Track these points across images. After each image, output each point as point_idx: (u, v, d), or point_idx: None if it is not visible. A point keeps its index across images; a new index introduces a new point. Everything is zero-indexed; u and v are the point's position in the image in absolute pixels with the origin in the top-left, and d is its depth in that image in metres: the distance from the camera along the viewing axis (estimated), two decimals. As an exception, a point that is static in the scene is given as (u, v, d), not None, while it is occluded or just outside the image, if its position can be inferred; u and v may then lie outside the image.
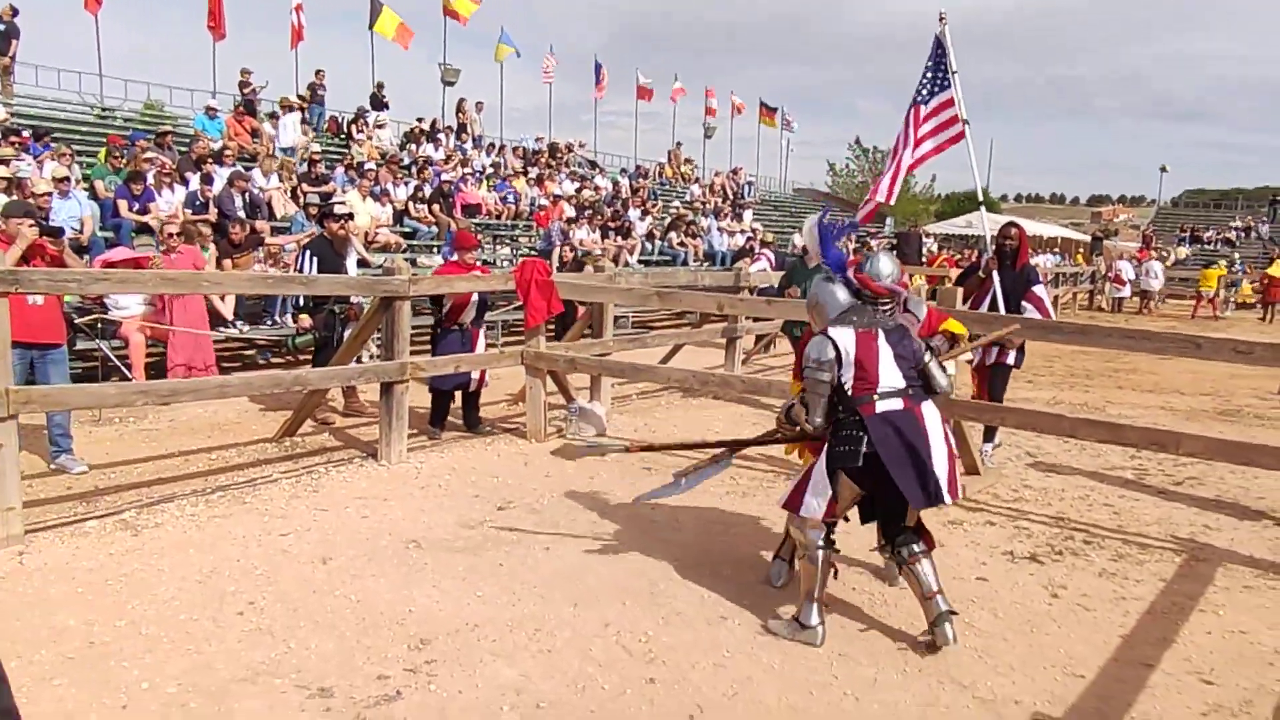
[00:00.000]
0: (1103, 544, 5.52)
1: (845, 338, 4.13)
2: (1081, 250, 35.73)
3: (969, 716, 3.52)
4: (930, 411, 4.10)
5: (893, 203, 8.54)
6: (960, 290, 6.93)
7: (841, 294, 4.30)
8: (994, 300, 7.30)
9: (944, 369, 4.44)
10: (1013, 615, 4.46)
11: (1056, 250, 34.18)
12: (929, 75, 8.05)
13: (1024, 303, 7.29)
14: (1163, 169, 55.70)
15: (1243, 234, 41.20)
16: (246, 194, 12.71)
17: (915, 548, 4.13)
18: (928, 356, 4.25)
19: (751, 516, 5.79)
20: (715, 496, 6.18)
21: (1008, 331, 5.89)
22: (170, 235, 8.99)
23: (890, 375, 4.09)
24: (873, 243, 25.29)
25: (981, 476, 6.77)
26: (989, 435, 7.42)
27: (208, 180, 12.69)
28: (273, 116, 17.62)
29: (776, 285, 9.78)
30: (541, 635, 4.06)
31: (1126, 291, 25.38)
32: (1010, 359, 7.32)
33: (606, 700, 3.55)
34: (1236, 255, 33.10)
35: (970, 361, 7.33)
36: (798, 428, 4.45)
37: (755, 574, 4.84)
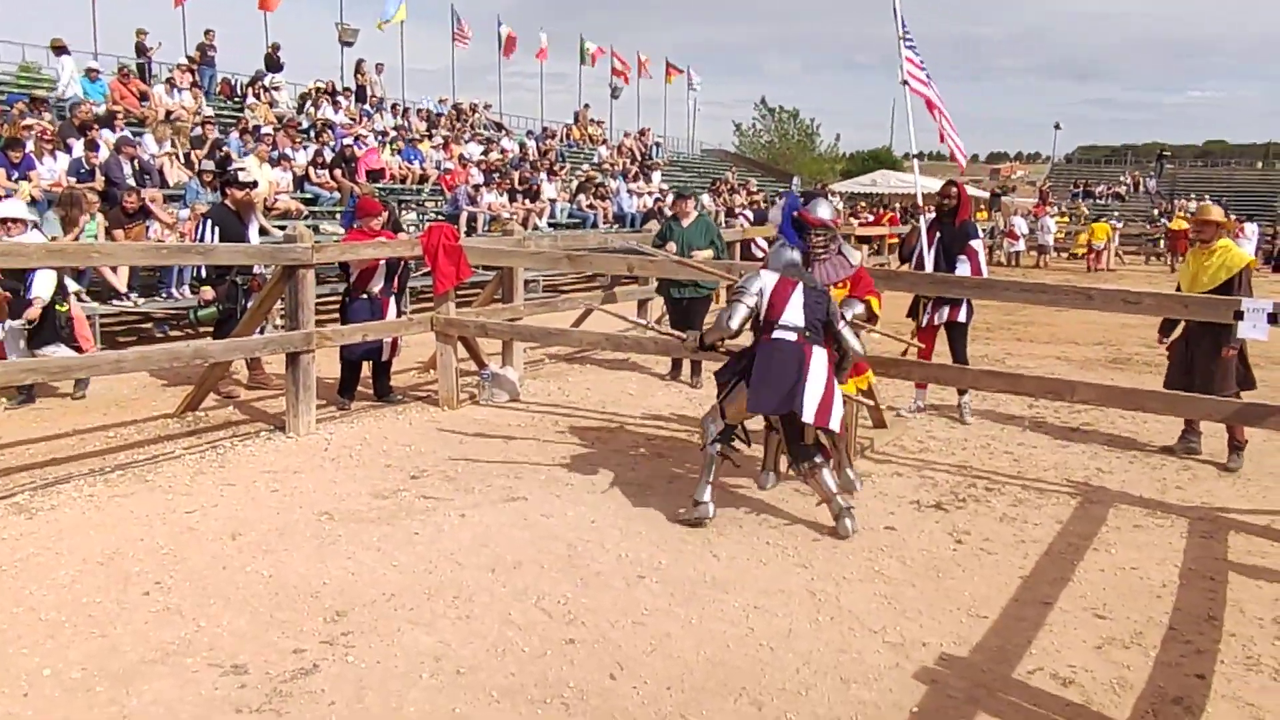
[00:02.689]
0: (1003, 490, 5.75)
1: (769, 279, 5.04)
2: (982, 207, 36.72)
3: (879, 660, 3.64)
4: (819, 352, 4.88)
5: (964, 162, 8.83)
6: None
7: (787, 255, 5.13)
8: (935, 253, 7.63)
9: (857, 335, 5.12)
10: (920, 562, 4.62)
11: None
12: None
13: (960, 255, 7.60)
14: (1057, 126, 57.79)
15: (1132, 188, 42.86)
16: (135, 160, 12.18)
17: (815, 460, 4.93)
18: (841, 324, 5.03)
19: (666, 476, 5.84)
20: (631, 458, 6.23)
21: (908, 345, 6.79)
22: (5, 223, 7.59)
23: (793, 316, 4.92)
24: (779, 200, 25.56)
25: (888, 429, 6.95)
26: (962, 390, 7.52)
27: (92, 146, 12.10)
28: (168, 82, 16.85)
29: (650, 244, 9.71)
30: (460, 602, 4.05)
31: (1021, 246, 26.22)
32: (961, 316, 7.56)
33: (527, 662, 3.57)
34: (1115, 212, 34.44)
35: (918, 325, 7.58)
36: (711, 342, 5.31)
37: (672, 532, 4.90)
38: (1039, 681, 3.51)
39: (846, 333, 5.10)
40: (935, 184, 9.29)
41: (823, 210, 5.28)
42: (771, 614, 4.01)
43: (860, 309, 5.44)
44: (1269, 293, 17.09)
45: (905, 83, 7.98)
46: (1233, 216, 28.90)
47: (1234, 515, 5.40)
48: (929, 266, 7.61)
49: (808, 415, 4.70)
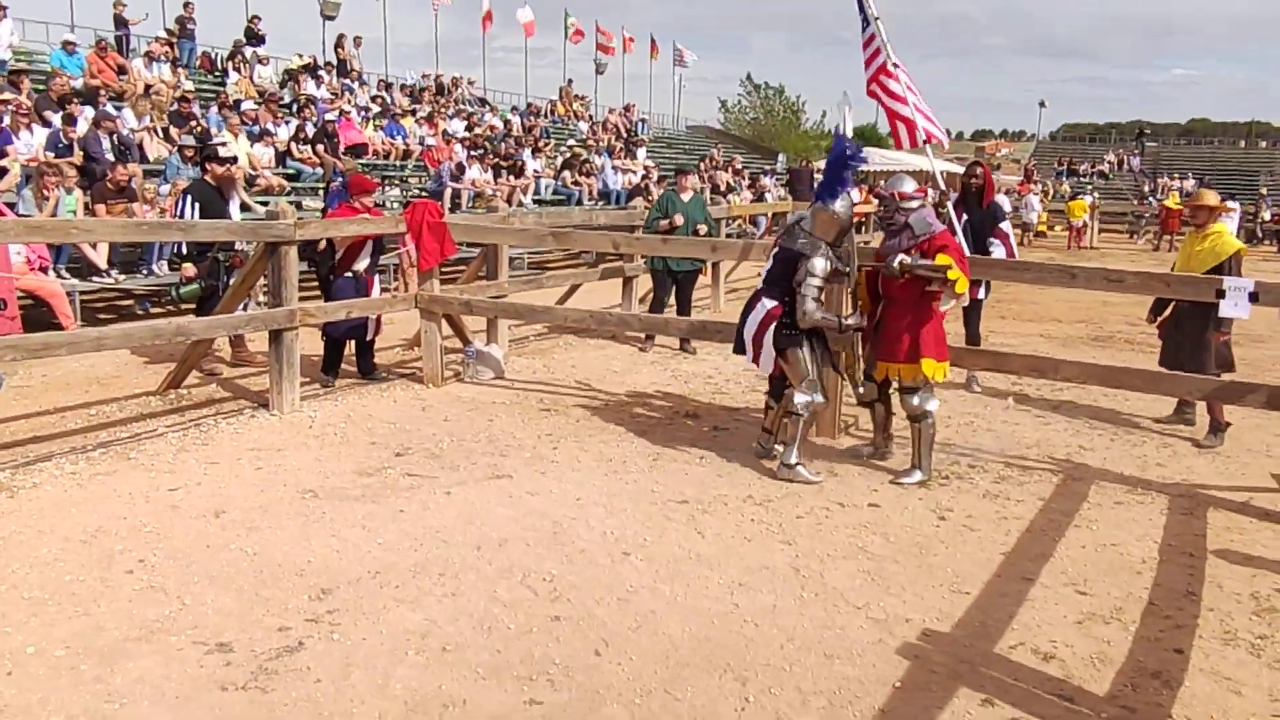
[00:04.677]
0: (986, 467, 5.78)
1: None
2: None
3: (863, 636, 3.67)
4: (765, 302, 5.52)
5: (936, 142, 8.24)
6: None
7: (792, 216, 5.79)
8: (962, 235, 7.45)
9: (818, 304, 5.36)
10: (903, 538, 4.65)
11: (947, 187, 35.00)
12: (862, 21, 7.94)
13: (991, 238, 7.60)
14: (1041, 104, 57.70)
15: (1115, 167, 42.93)
16: (114, 135, 12.02)
17: (792, 410, 5.47)
18: (804, 287, 5.34)
19: (651, 453, 5.85)
20: (614, 435, 6.24)
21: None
22: None
23: (767, 274, 5.62)
24: (765, 179, 25.55)
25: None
26: None
27: (70, 121, 11.93)
28: (147, 55, 16.59)
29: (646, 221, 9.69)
30: (445, 579, 4.06)
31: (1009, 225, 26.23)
32: (981, 293, 7.60)
33: (512, 639, 3.58)
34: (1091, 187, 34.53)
35: None
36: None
37: (657, 510, 4.92)
38: (1020, 656, 3.55)
39: (802, 301, 5.36)
40: (919, 161, 9.21)
41: (893, 184, 5.58)
42: (756, 590, 4.03)
43: (923, 263, 5.28)
44: (1252, 269, 17.22)
45: (897, 65, 7.81)
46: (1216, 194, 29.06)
47: (1213, 492, 5.46)
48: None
49: (747, 357, 5.61)
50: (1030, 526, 4.84)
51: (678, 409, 6.95)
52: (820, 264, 5.39)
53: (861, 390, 5.73)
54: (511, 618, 3.74)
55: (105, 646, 3.44)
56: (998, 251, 7.59)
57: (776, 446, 5.79)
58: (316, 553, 4.28)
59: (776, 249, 5.64)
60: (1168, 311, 6.89)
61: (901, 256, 5.28)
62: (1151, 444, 6.42)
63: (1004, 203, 26.15)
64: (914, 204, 5.45)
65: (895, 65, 7.57)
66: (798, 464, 5.44)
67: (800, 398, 5.48)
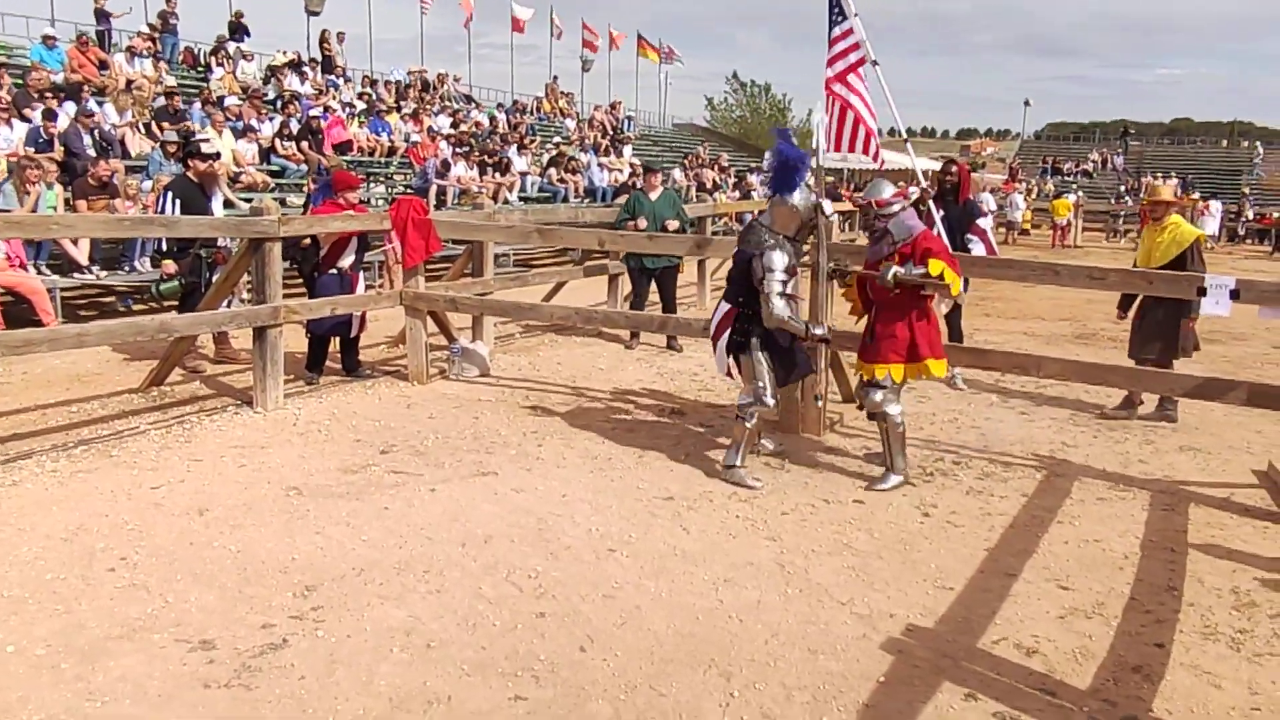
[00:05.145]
0: (970, 464, 5.81)
1: None
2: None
3: (847, 631, 3.68)
4: (721, 306, 5.50)
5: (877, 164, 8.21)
6: None
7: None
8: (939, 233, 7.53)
9: (785, 300, 5.20)
10: (887, 534, 4.67)
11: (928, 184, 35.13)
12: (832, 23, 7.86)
13: (969, 234, 7.71)
14: (1026, 103, 57.81)
15: (1099, 166, 43.19)
16: (95, 130, 11.93)
17: (743, 407, 5.40)
18: (766, 284, 5.18)
19: (637, 450, 5.85)
20: (599, 432, 6.23)
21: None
22: None
23: (728, 274, 5.55)
24: (752, 176, 25.58)
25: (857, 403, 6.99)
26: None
27: (50, 116, 11.84)
28: (129, 50, 16.46)
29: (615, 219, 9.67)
30: (430, 576, 4.05)
31: (990, 222, 26.36)
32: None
33: (497, 636, 3.57)
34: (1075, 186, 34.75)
35: None
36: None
37: (642, 506, 4.92)
38: (1003, 651, 3.57)
39: (765, 300, 5.21)
40: (901, 158, 9.26)
41: (871, 192, 5.50)
42: (741, 586, 4.04)
43: (918, 270, 5.24)
44: (1233, 268, 17.35)
45: (875, 62, 7.78)
46: (1197, 194, 29.42)
47: (1194, 488, 5.50)
48: None
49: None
50: (1013, 522, 4.87)
51: (663, 406, 6.96)
52: (779, 258, 5.21)
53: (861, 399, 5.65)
54: (496, 614, 3.74)
55: (86, 645, 3.41)
56: (976, 248, 7.65)
57: (765, 443, 5.80)
58: (300, 550, 4.27)
59: (735, 256, 5.53)
60: (1137, 303, 7.06)
61: (896, 269, 5.20)
62: (1134, 440, 6.46)
63: (988, 200, 26.37)
64: (894, 208, 5.38)
65: (875, 63, 7.53)
66: (738, 467, 5.33)
67: (745, 401, 5.37)
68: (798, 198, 5.39)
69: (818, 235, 5.64)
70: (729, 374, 5.61)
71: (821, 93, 7.52)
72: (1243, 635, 3.73)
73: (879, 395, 5.37)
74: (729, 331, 5.44)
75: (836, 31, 7.59)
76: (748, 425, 5.36)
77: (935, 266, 5.17)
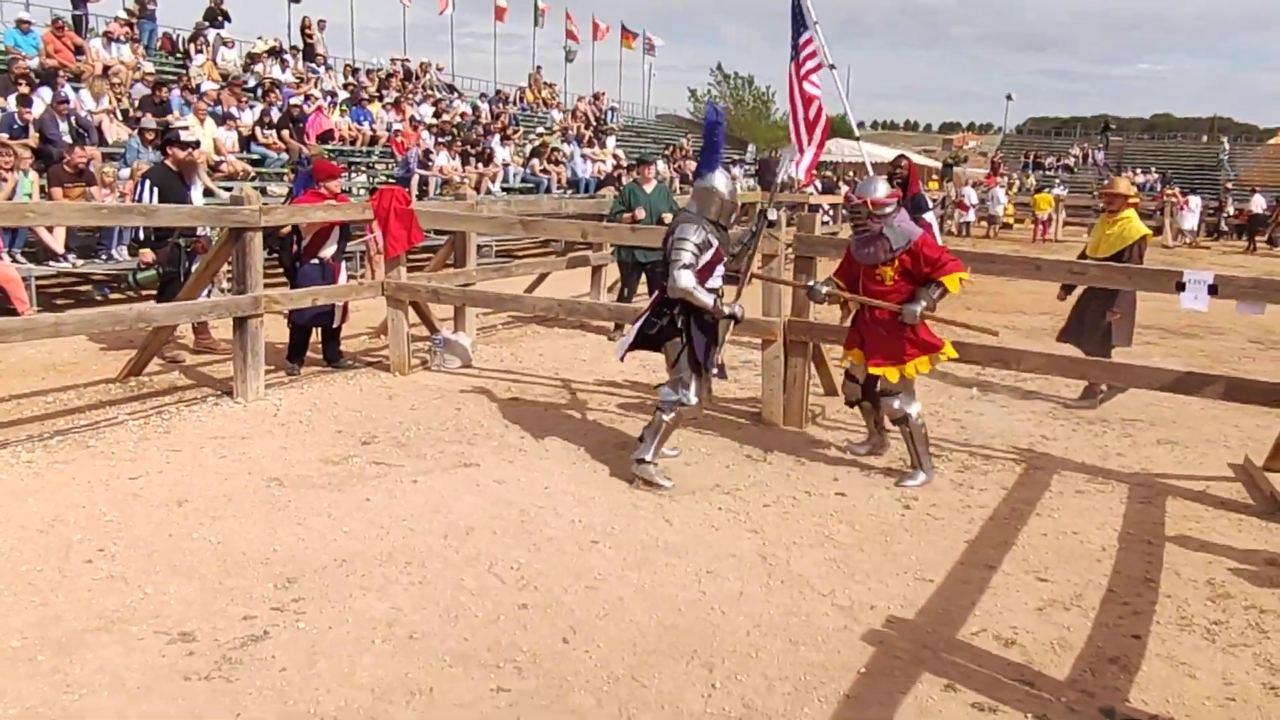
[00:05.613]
0: (951, 456, 5.84)
1: None
2: (934, 176, 37.02)
3: (828, 623, 3.70)
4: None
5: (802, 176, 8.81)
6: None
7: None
8: None
9: (689, 271, 4.98)
10: (869, 527, 4.69)
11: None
12: (795, 30, 8.21)
13: None
14: (1009, 98, 58.10)
15: (1080, 160, 43.43)
16: (72, 117, 11.78)
17: (664, 399, 5.21)
18: (673, 252, 5.02)
19: (619, 442, 5.85)
20: (584, 424, 6.23)
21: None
22: None
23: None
24: (735, 169, 25.58)
25: (839, 397, 7.01)
26: None
27: (25, 102, 11.67)
28: (105, 35, 16.25)
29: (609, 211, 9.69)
30: (412, 568, 4.04)
31: (971, 216, 26.51)
32: None
33: (479, 628, 3.57)
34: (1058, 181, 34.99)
35: None
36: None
37: (625, 498, 4.92)
38: (982, 642, 3.60)
39: (673, 261, 5.02)
40: (889, 154, 9.51)
41: (865, 190, 5.32)
42: (723, 578, 4.05)
43: (935, 292, 5.22)
44: (1211, 263, 17.51)
45: (833, 66, 8.10)
46: (1177, 189, 29.60)
47: (1171, 481, 5.56)
48: None
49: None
50: (993, 515, 4.90)
51: (646, 398, 6.96)
52: (693, 231, 5.02)
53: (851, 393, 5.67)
54: (479, 606, 3.73)
55: (63, 637, 3.39)
56: None
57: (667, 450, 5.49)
58: (281, 541, 4.24)
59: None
60: (1078, 291, 7.33)
61: (918, 309, 5.13)
62: (1112, 434, 6.51)
63: (970, 194, 26.45)
64: (887, 210, 5.20)
65: (832, 68, 7.91)
66: (650, 462, 5.10)
67: (667, 393, 5.19)
68: (719, 181, 5.26)
69: (752, 245, 5.42)
70: (621, 359, 5.48)
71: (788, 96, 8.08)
72: (1218, 626, 3.77)
73: (896, 402, 5.30)
74: (646, 314, 5.26)
75: (801, 39, 8.00)
76: (665, 419, 5.14)
77: (953, 284, 5.15)
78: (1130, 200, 7.32)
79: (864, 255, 5.32)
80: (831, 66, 7.91)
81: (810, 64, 8.05)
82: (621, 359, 5.52)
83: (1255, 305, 5.26)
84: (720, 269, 5.25)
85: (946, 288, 5.20)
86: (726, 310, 5.11)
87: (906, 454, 5.40)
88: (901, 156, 8.51)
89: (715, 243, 5.14)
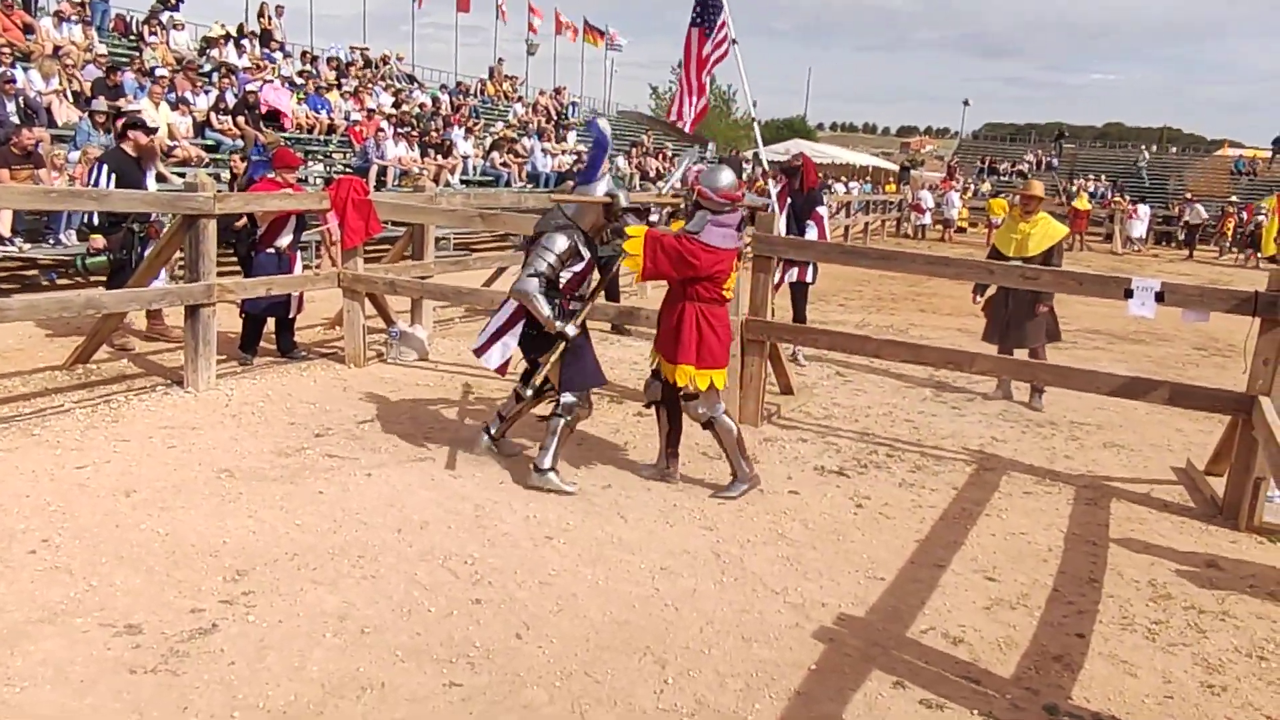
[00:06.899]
0: (903, 457, 5.92)
1: None
2: (892, 179, 37.43)
3: (780, 620, 3.74)
4: (509, 303, 5.08)
5: (687, 128, 8.88)
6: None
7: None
8: (786, 217, 8.29)
9: (539, 280, 4.84)
10: (821, 525, 4.74)
11: (868, 179, 35.65)
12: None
13: (808, 221, 8.36)
14: (966, 103, 58.67)
15: (1035, 167, 44.10)
16: (20, 98, 11.49)
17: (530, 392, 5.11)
18: (533, 256, 4.90)
19: (576, 438, 5.83)
20: (540, 419, 6.21)
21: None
22: None
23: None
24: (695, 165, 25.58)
25: (795, 396, 7.09)
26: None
27: (-30, 83, 11.37)
28: (56, 15, 15.85)
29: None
30: (365, 562, 4.01)
31: (927, 219, 26.88)
32: (809, 277, 8.40)
33: (432, 623, 3.55)
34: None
35: (775, 286, 7.67)
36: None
37: (580, 495, 4.92)
38: (931, 640, 3.65)
39: (527, 263, 4.89)
40: (843, 154, 9.79)
41: (713, 178, 4.90)
42: (677, 575, 4.07)
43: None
44: (1157, 270, 17.88)
45: (735, 41, 8.20)
46: (1127, 198, 30.18)
47: (1116, 484, 5.68)
48: (781, 230, 7.98)
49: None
50: (943, 515, 4.98)
51: (602, 394, 6.95)
52: (560, 241, 4.86)
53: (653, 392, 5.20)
54: (432, 600, 3.71)
55: (5, 629, 3.31)
56: (811, 233, 8.33)
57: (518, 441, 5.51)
58: (232, 533, 4.19)
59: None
60: (991, 290, 7.52)
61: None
62: (1060, 437, 6.64)
63: (926, 198, 26.71)
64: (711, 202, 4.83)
65: (734, 42, 8.14)
66: (550, 470, 4.93)
67: (569, 398, 5.01)
68: (602, 190, 4.97)
69: (613, 267, 5.33)
70: (501, 371, 5.22)
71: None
72: (1158, 626, 3.87)
73: (702, 407, 4.95)
74: (522, 323, 5.02)
75: (716, 24, 8.20)
76: (564, 421, 4.99)
77: (634, 241, 4.80)
78: (1045, 201, 7.74)
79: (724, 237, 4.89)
80: (734, 41, 8.12)
81: (720, 51, 8.27)
82: (500, 371, 5.27)
83: (1200, 313, 5.40)
84: (593, 279, 5.14)
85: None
86: (559, 326, 4.88)
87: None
88: (800, 154, 9.41)
89: (587, 255, 5.00)
